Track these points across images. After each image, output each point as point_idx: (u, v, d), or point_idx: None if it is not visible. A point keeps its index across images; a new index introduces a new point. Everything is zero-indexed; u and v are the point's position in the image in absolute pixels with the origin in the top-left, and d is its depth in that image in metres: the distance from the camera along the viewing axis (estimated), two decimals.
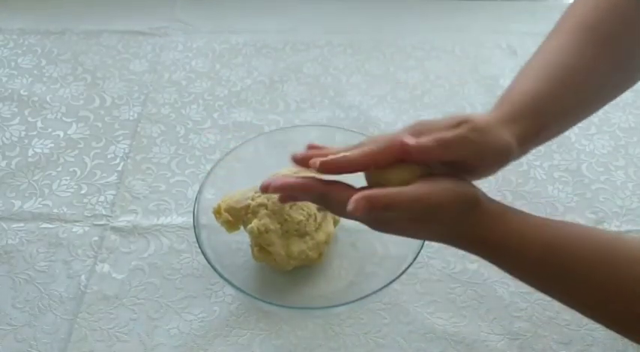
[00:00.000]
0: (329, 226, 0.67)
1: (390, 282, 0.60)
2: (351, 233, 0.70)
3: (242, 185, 0.67)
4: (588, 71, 0.55)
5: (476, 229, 0.50)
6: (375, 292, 0.59)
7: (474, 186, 0.52)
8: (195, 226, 0.65)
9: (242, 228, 0.66)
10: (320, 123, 0.84)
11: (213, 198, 0.67)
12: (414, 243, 0.62)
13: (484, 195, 0.52)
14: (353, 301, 0.59)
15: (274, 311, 0.66)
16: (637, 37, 0.56)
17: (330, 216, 0.68)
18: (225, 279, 0.61)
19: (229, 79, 0.92)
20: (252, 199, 0.64)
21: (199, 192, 0.67)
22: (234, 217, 0.64)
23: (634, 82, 0.59)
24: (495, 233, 0.50)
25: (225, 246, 0.67)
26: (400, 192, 0.49)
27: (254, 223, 0.63)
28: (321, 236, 0.66)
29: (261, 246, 0.65)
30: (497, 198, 0.75)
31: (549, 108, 0.53)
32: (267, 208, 0.63)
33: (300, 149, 0.54)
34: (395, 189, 0.49)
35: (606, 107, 0.87)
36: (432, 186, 0.50)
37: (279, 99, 0.89)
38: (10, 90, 0.90)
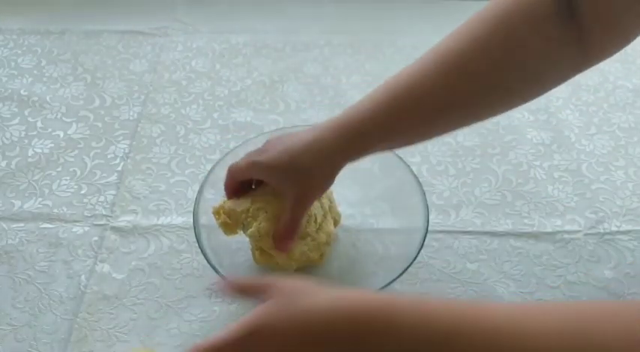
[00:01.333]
0: (329, 226, 0.67)
1: (391, 282, 0.60)
2: (352, 233, 0.71)
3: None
4: (430, 98, 0.56)
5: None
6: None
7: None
8: (195, 226, 0.65)
9: (240, 231, 0.65)
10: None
11: (213, 198, 0.67)
12: (414, 242, 0.62)
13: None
14: None
15: None
16: (491, 78, 0.56)
17: (330, 216, 0.68)
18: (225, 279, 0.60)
19: (229, 79, 0.92)
20: (252, 202, 0.64)
21: (199, 192, 0.67)
22: (233, 220, 0.64)
23: (477, 120, 0.61)
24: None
25: (225, 246, 0.67)
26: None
27: (254, 227, 0.63)
28: (322, 237, 0.66)
29: (262, 249, 0.64)
30: (497, 197, 0.76)
31: (375, 134, 0.57)
32: (266, 212, 0.63)
33: None
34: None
35: (606, 107, 0.88)
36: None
37: (279, 99, 0.89)
38: (10, 90, 0.90)
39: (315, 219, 0.65)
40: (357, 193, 0.73)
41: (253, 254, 0.66)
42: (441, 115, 0.57)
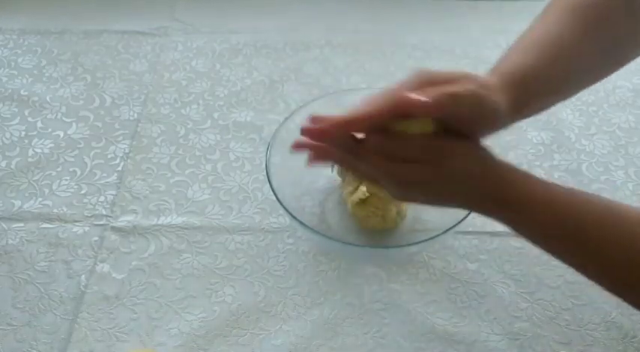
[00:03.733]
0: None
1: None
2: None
3: None
4: (576, 49, 0.56)
5: (498, 184, 0.51)
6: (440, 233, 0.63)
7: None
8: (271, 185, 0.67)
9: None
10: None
11: (280, 162, 0.69)
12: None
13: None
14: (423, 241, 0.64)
15: (275, 311, 0.66)
16: (625, 22, 0.57)
17: None
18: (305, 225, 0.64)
19: (229, 79, 0.92)
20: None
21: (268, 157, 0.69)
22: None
23: (620, 65, 0.62)
24: (519, 193, 0.51)
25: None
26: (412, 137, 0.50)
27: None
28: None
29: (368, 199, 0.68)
30: None
31: (536, 82, 0.54)
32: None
33: None
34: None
35: (606, 107, 0.88)
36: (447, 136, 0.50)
37: (279, 99, 0.89)
38: (10, 90, 0.90)
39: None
40: None
41: (351, 204, 0.70)
42: (594, 61, 0.59)
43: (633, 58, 0.62)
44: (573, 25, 0.56)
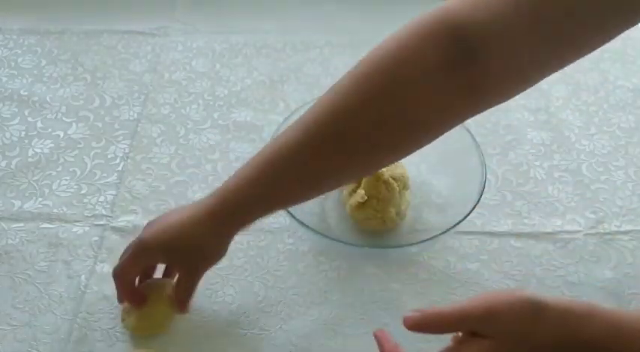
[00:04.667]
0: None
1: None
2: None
3: None
4: (307, 169, 0.55)
5: (552, 330, 0.46)
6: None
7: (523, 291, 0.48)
8: None
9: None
10: None
11: None
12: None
13: (536, 293, 0.47)
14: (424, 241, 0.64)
15: (275, 311, 0.66)
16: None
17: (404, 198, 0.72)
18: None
19: (229, 79, 0.92)
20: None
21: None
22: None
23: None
24: (582, 328, 0.46)
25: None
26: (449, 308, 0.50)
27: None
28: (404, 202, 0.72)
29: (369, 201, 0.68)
30: (497, 198, 0.76)
31: (255, 205, 0.58)
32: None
33: None
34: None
35: (606, 107, 0.88)
36: (477, 300, 0.49)
37: (279, 99, 0.89)
38: (10, 90, 0.90)
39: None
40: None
41: (348, 206, 0.71)
42: (319, 181, 0.57)
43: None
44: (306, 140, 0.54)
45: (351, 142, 0.53)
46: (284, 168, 0.55)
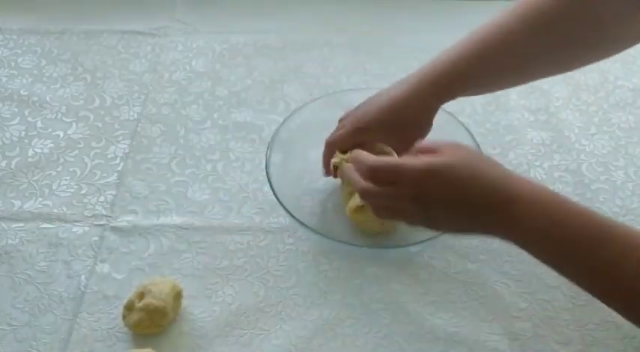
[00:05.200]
0: None
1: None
2: None
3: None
4: (511, 48, 0.62)
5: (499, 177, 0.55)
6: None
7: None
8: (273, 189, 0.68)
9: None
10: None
11: (280, 162, 0.70)
12: None
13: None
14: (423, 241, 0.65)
15: (275, 311, 0.66)
16: (571, 26, 0.60)
17: None
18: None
19: (229, 79, 0.92)
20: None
21: (269, 157, 0.71)
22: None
23: (568, 67, 0.67)
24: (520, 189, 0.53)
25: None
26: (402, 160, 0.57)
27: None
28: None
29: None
30: None
31: (463, 80, 0.64)
32: None
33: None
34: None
35: (606, 107, 0.88)
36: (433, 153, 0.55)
37: (279, 99, 0.89)
38: (10, 90, 0.89)
39: None
40: None
41: (347, 208, 0.71)
42: (527, 64, 0.63)
43: (585, 62, 0.66)
44: (517, 27, 0.61)
45: (555, 28, 0.60)
46: (496, 46, 0.62)
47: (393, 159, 0.60)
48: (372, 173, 0.57)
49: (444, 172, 0.53)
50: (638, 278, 0.48)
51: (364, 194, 0.58)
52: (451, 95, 0.65)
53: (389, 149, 0.66)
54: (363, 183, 0.57)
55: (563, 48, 0.62)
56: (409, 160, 0.55)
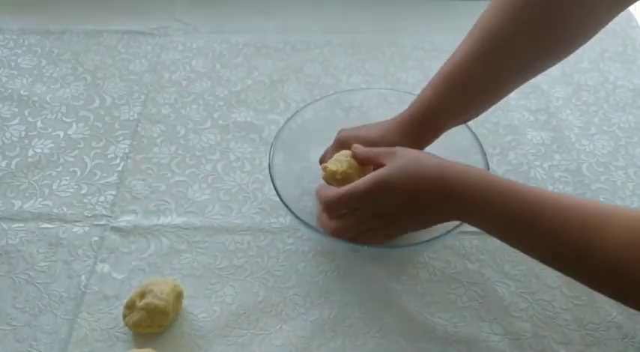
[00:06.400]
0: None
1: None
2: None
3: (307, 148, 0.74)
4: (478, 74, 0.64)
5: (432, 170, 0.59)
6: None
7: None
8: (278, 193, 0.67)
9: None
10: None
11: (280, 163, 0.70)
12: None
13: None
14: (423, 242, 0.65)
15: (275, 311, 0.66)
16: (535, 46, 0.62)
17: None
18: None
19: (229, 79, 0.92)
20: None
21: (272, 157, 0.70)
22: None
23: (527, 79, 0.67)
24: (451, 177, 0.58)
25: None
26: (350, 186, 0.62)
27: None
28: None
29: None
30: None
31: (442, 114, 0.66)
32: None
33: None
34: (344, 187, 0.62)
35: (606, 107, 0.88)
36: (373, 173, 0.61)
37: (279, 99, 0.89)
38: (10, 90, 0.90)
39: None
40: None
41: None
42: (499, 84, 0.66)
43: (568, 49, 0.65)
44: (474, 52, 0.64)
45: (518, 50, 0.63)
46: (462, 78, 0.64)
47: (341, 189, 0.62)
48: (329, 208, 0.63)
49: (388, 183, 0.59)
50: (578, 243, 0.51)
51: (335, 233, 0.63)
52: (436, 134, 0.67)
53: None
54: (332, 224, 0.63)
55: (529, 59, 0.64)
56: (354, 185, 0.61)
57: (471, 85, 0.64)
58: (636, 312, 0.64)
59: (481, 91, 0.65)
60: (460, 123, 0.70)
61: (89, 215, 0.74)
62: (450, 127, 0.68)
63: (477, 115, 0.68)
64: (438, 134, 0.67)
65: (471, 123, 0.72)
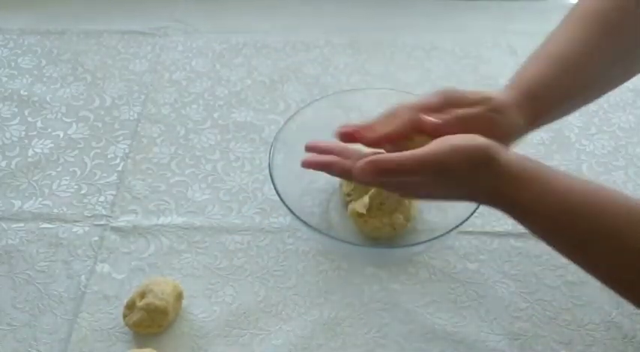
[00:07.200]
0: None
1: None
2: None
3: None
4: (591, 58, 0.58)
5: (493, 183, 0.51)
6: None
7: (486, 140, 0.51)
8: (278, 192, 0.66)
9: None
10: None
11: (280, 163, 0.69)
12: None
13: (499, 147, 0.51)
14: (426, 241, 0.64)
15: (275, 311, 0.66)
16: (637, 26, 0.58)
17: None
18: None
19: (229, 79, 0.92)
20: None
21: (272, 157, 0.69)
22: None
23: (635, 73, 0.62)
24: (517, 191, 0.50)
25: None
26: (405, 156, 0.51)
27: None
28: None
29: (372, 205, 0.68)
30: None
31: (551, 93, 0.58)
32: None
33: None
34: (401, 153, 0.52)
35: (606, 107, 0.88)
36: (438, 147, 0.51)
37: (279, 99, 0.89)
38: (10, 91, 0.90)
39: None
40: None
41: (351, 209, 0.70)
42: (607, 69, 0.60)
43: None
44: (589, 34, 0.58)
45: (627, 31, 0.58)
46: (571, 60, 0.58)
47: (404, 156, 0.52)
48: (385, 173, 0.53)
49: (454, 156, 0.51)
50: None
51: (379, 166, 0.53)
52: (550, 111, 0.59)
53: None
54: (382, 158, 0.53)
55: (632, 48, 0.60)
56: (423, 155, 0.51)
57: (582, 67, 0.58)
58: (636, 312, 0.64)
59: (589, 76, 0.59)
60: (568, 112, 0.63)
61: (89, 215, 0.74)
62: (561, 111, 0.61)
63: (582, 105, 0.63)
64: (551, 113, 0.59)
65: None
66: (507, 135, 0.56)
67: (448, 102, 0.56)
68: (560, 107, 0.60)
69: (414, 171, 0.51)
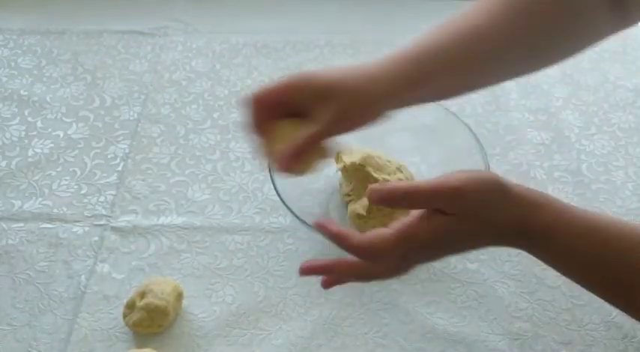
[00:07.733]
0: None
1: None
2: None
3: None
4: (494, 39, 0.56)
5: (516, 213, 0.48)
6: None
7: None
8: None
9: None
10: None
11: None
12: None
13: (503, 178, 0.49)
14: None
15: (275, 311, 0.66)
16: (552, 23, 0.56)
17: None
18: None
19: (229, 79, 0.92)
20: None
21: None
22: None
23: (538, 68, 0.59)
24: (542, 216, 0.48)
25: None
26: (419, 186, 0.48)
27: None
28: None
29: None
30: None
31: (432, 60, 0.55)
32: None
33: None
34: (412, 183, 0.49)
35: (606, 107, 0.88)
36: (446, 178, 0.48)
37: None
38: (10, 91, 0.90)
39: None
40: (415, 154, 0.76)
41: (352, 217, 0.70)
42: (500, 55, 0.57)
43: (565, 56, 0.59)
44: (496, 16, 0.56)
45: (533, 16, 0.55)
46: (472, 35, 0.57)
47: (389, 235, 0.49)
48: (375, 256, 0.50)
49: (460, 238, 0.49)
50: None
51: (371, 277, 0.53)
52: (411, 90, 0.56)
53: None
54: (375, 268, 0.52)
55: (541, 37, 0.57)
56: (410, 235, 0.48)
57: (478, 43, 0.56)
58: None
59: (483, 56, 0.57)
60: (458, 88, 0.59)
61: (89, 215, 0.74)
62: (448, 83, 0.57)
63: (476, 86, 0.60)
64: (437, 81, 0.56)
65: (471, 123, 0.72)
66: (371, 103, 0.54)
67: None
68: (442, 78, 0.56)
69: (425, 198, 0.47)
